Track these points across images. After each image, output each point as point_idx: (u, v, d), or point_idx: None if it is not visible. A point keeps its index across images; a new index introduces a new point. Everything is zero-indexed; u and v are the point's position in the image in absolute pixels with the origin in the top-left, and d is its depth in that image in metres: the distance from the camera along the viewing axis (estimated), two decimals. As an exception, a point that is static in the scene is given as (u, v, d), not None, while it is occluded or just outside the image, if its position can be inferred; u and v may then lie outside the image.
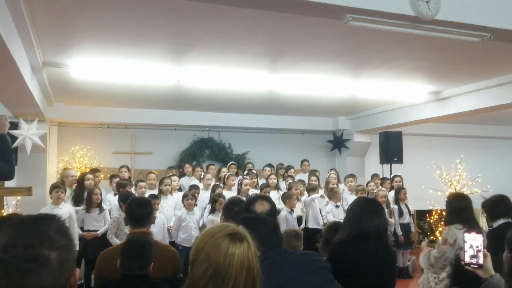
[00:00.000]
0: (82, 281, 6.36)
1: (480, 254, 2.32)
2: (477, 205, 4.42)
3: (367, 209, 2.99)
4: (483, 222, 7.70)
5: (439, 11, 3.87)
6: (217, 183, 8.00)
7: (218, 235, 1.69)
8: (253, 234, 2.09)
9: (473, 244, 2.31)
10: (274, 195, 7.43)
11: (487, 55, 5.73)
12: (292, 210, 7.22)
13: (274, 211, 2.78)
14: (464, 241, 2.31)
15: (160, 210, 6.52)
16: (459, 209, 4.04)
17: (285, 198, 7.25)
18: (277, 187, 8.15)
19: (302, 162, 9.76)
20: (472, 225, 3.95)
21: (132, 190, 6.91)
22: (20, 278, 1.21)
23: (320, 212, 7.74)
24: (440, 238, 4.21)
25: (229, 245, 1.65)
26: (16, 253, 1.21)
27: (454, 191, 8.15)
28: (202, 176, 8.21)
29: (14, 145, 6.26)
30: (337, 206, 7.66)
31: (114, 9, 4.25)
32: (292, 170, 9.07)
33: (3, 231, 1.26)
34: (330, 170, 9.51)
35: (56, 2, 4.05)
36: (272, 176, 8.26)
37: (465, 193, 5.96)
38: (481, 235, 2.30)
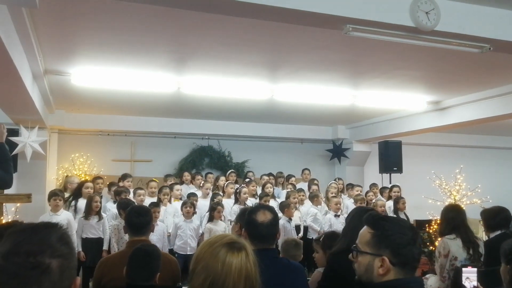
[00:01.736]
0: (80, 289, 6.33)
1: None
2: (477, 215, 4.43)
3: None
4: (481, 232, 7.69)
5: (438, 22, 3.90)
6: (215, 192, 7.99)
7: (216, 245, 1.70)
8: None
9: (469, 283, 2.32)
10: (271, 204, 7.42)
11: (486, 65, 5.76)
12: (290, 219, 7.21)
13: (276, 221, 2.75)
14: (463, 279, 2.32)
15: (160, 218, 6.50)
16: (448, 219, 4.08)
17: (283, 207, 7.24)
18: (272, 196, 8.13)
19: (303, 171, 9.77)
20: (464, 232, 3.97)
21: (130, 197, 6.91)
22: (21, 286, 1.21)
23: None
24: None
25: (227, 254, 1.66)
26: (17, 260, 1.22)
27: (449, 203, 8.16)
28: (201, 185, 8.19)
29: (15, 152, 6.27)
30: (337, 216, 7.64)
31: (115, 18, 4.28)
32: (293, 178, 9.08)
33: (4, 238, 1.27)
34: (338, 179, 9.53)
35: (58, 10, 4.08)
36: (268, 185, 8.25)
37: (463, 203, 5.99)
38: (476, 269, 2.31)
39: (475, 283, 2.25)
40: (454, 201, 8.59)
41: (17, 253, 1.22)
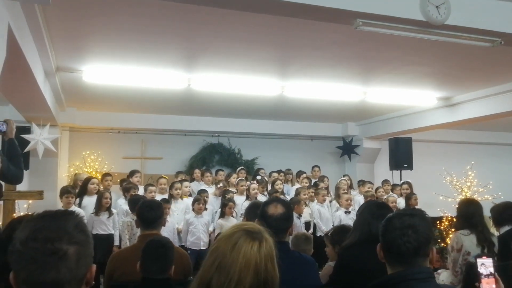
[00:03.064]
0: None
1: (492, 279, 2.30)
2: (488, 211, 4.41)
3: (377, 213, 2.97)
4: (494, 229, 7.64)
5: (449, 16, 3.89)
6: (226, 188, 8.00)
7: (236, 230, 1.66)
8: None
9: (485, 269, 2.30)
10: (282, 200, 7.39)
11: (498, 60, 5.72)
12: (300, 215, 7.21)
13: (288, 215, 2.72)
14: (478, 266, 2.30)
15: (170, 214, 6.54)
16: (467, 214, 4.05)
17: (293, 203, 7.21)
18: (282, 193, 8.13)
19: (312, 168, 9.76)
20: (481, 231, 3.94)
21: (140, 193, 6.95)
22: (39, 271, 1.24)
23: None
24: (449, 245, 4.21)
25: (239, 239, 1.61)
26: (36, 246, 1.24)
27: (465, 197, 8.10)
28: (218, 186, 8.14)
29: (27, 149, 6.32)
30: (347, 212, 7.62)
31: (126, 16, 4.31)
32: (304, 174, 9.07)
33: (23, 225, 1.30)
34: (343, 176, 9.50)
35: (70, 8, 4.12)
36: (278, 182, 8.26)
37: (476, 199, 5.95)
38: (491, 259, 2.30)
39: (491, 269, 2.23)
40: (465, 197, 8.53)
41: (35, 239, 1.25)
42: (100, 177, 7.75)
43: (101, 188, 7.15)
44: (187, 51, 5.51)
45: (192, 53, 5.61)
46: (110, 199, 6.70)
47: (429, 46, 5.01)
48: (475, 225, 3.94)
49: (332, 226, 7.24)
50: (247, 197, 7.50)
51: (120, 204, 7.08)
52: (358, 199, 8.39)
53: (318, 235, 7.34)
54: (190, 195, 7.66)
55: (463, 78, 6.78)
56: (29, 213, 6.29)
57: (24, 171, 3.84)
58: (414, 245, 1.89)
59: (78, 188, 7.36)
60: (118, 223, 6.65)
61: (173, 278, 3.06)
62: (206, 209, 6.90)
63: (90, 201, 6.75)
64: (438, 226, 9.24)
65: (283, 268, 2.49)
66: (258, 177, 8.60)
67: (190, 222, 6.67)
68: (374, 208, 3.03)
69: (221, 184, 8.04)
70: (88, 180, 7.14)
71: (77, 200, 6.88)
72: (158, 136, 10.08)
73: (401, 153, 9.92)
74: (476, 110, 7.86)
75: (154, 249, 2.89)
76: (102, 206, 6.56)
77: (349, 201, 7.71)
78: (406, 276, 1.87)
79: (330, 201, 8.29)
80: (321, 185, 8.58)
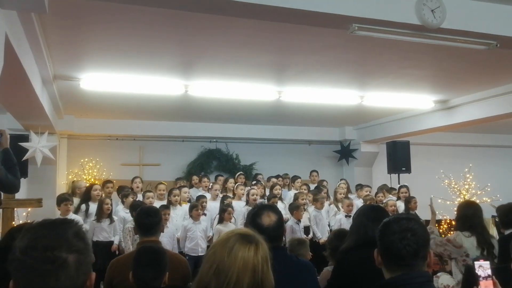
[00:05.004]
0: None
1: (489, 282, 2.31)
2: (487, 214, 4.42)
3: (373, 216, 2.97)
4: (493, 231, 7.64)
5: (444, 20, 3.91)
6: (224, 194, 8.00)
7: (230, 235, 1.71)
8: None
9: (483, 271, 2.31)
10: (279, 206, 7.40)
11: (494, 62, 5.74)
12: (299, 221, 7.20)
13: (281, 221, 2.73)
14: (476, 270, 2.31)
15: (170, 220, 6.54)
16: (466, 216, 4.05)
17: (293, 209, 7.22)
18: (280, 198, 8.12)
19: (311, 173, 9.77)
20: (480, 233, 3.95)
21: (139, 199, 6.97)
22: (39, 280, 1.24)
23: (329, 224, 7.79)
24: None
25: (235, 243, 1.66)
26: (35, 255, 1.25)
27: (464, 200, 8.10)
28: (210, 187, 8.21)
29: (25, 157, 6.34)
30: (348, 216, 7.60)
31: (122, 23, 4.32)
32: (299, 180, 9.07)
33: (22, 234, 1.30)
34: (340, 180, 9.50)
35: (67, 16, 4.13)
36: (277, 187, 8.25)
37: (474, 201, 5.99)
38: (488, 261, 2.30)
39: (489, 271, 2.24)
40: (464, 200, 8.54)
41: (35, 248, 1.26)
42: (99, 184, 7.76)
43: (102, 195, 7.18)
44: (184, 57, 5.52)
45: (189, 60, 5.63)
46: (111, 205, 6.72)
47: (425, 50, 5.03)
48: (474, 227, 3.95)
49: (329, 231, 7.25)
50: (247, 203, 7.49)
51: (119, 210, 7.09)
52: (357, 203, 8.39)
53: (314, 240, 7.35)
54: (189, 201, 7.66)
55: (460, 81, 6.81)
56: (28, 221, 6.30)
57: (23, 179, 3.84)
58: (414, 247, 1.91)
59: (77, 195, 7.38)
60: (118, 229, 6.68)
61: (171, 284, 3.03)
62: (205, 214, 6.90)
63: (95, 208, 6.81)
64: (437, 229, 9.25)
65: (281, 273, 2.50)
66: (253, 182, 8.61)
67: (188, 228, 6.67)
68: (369, 211, 3.04)
69: (211, 184, 8.08)
70: (91, 187, 7.18)
71: (83, 206, 6.92)
72: (156, 142, 10.09)
73: (399, 156, 9.90)
74: (473, 113, 7.88)
75: (144, 255, 2.84)
76: (103, 213, 6.58)
77: (350, 207, 7.70)
78: (407, 279, 1.89)
79: (330, 205, 8.29)
80: (324, 190, 8.55)
